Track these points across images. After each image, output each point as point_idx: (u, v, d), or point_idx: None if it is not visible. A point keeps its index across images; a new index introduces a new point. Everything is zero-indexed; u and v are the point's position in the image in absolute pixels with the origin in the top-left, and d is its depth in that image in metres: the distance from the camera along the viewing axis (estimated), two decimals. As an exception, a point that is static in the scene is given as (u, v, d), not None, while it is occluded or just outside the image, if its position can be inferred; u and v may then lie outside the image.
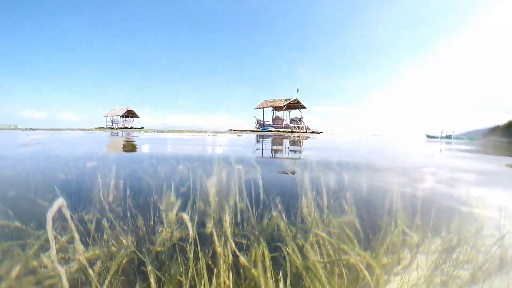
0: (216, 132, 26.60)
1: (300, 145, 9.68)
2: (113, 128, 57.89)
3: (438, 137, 41.49)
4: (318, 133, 39.10)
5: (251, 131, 42.09)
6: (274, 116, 46.00)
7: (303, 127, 41.60)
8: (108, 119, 61.44)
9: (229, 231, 1.91)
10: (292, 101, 43.15)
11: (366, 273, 1.66)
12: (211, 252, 1.81)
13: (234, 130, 44.49)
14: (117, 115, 59.69)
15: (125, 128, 57.18)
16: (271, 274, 1.63)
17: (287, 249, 1.82)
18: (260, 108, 46.68)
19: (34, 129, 32.65)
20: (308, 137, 19.02)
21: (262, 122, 46.46)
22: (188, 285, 1.57)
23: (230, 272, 1.65)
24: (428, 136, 43.25)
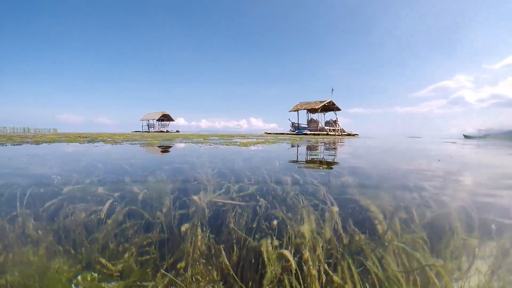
0: (255, 136, 26.79)
1: (341, 148, 9.63)
2: (149, 131, 59.48)
3: (476, 137, 39.44)
4: (354, 135, 38.50)
5: (286, 134, 42.09)
6: (309, 118, 45.76)
7: (338, 129, 41.14)
8: (145, 123, 63.44)
9: (321, 253, 2.08)
10: (326, 103, 42.79)
11: (436, 280, 1.82)
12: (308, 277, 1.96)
13: (269, 133, 44.68)
14: (153, 119, 61.46)
15: (161, 131, 58.60)
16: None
17: (368, 262, 1.96)
18: (295, 110, 46.57)
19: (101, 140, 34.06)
20: (343, 142, 18.69)
21: (297, 124, 46.34)
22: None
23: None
24: (465, 136, 41.41)
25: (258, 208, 2.77)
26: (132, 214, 2.72)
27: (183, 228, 2.36)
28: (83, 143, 10.10)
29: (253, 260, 2.21)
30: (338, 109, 44.02)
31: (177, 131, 61.49)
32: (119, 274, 2.09)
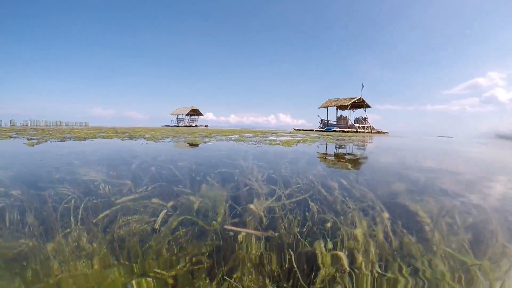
0: (286, 133, 26.76)
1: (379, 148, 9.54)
2: (178, 126, 60.50)
3: (510, 138, 37.47)
4: (383, 133, 37.87)
5: (315, 130, 41.92)
6: (339, 115, 45.36)
7: (368, 127, 40.56)
8: (174, 117, 64.50)
9: (374, 255, 2.32)
10: (356, 99, 42.26)
11: (483, 279, 2.02)
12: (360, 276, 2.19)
13: (298, 130, 44.61)
14: (182, 114, 62.42)
15: (190, 126, 59.50)
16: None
17: (419, 265, 2.18)
18: (325, 107, 46.23)
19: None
20: (375, 141, 18.38)
21: (326, 121, 46.04)
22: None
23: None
24: (498, 136, 39.56)
25: (307, 213, 3.01)
26: (187, 223, 2.88)
27: (239, 237, 2.62)
28: (125, 139, 10.41)
29: (305, 265, 2.46)
30: (368, 106, 43.38)
31: (206, 126, 62.28)
32: (173, 281, 2.34)
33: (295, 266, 2.30)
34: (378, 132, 38.36)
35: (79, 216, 2.93)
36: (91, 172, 4.39)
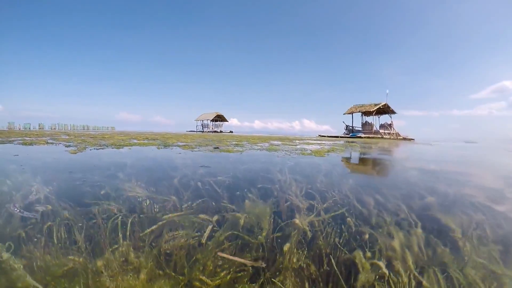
0: (313, 139, 26.77)
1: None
2: (203, 131, 61.40)
3: None
4: (409, 140, 37.29)
5: (340, 137, 41.84)
6: (364, 121, 45.11)
7: (393, 133, 40.10)
8: (199, 123, 65.53)
9: (411, 263, 2.66)
10: (381, 105, 41.91)
11: None
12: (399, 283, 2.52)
13: (323, 136, 44.60)
14: (207, 120, 63.37)
15: (215, 131, 60.29)
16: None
17: (450, 270, 2.51)
18: (349, 113, 46.08)
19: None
20: (397, 149, 18.08)
21: (351, 127, 45.86)
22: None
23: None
24: None
25: (344, 226, 3.32)
26: (232, 237, 3.10)
27: (285, 248, 2.91)
28: (160, 148, 10.71)
29: (344, 271, 2.77)
30: (393, 112, 42.91)
31: (231, 132, 62.89)
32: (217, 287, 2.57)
33: (336, 269, 2.63)
34: (404, 138, 37.80)
35: (127, 233, 3.11)
36: (136, 187, 4.51)
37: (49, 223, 3.16)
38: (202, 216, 3.50)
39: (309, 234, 3.14)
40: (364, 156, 10.29)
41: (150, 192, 4.31)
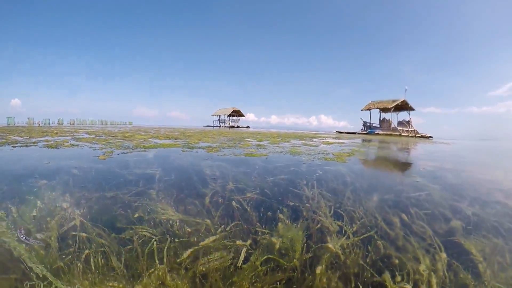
0: (331, 137, 26.68)
1: None
2: (220, 126, 61.83)
3: None
4: (427, 137, 36.78)
5: (358, 133, 41.69)
6: (381, 118, 44.71)
7: (411, 130, 39.61)
8: (216, 118, 66.00)
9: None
10: (400, 102, 41.46)
11: None
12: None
13: (340, 132, 44.50)
14: (224, 115, 63.72)
15: (232, 127, 60.66)
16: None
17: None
18: (367, 109, 45.78)
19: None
20: (415, 148, 17.83)
21: (369, 124, 45.58)
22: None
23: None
24: None
25: (371, 248, 3.60)
26: (266, 261, 3.33)
27: (318, 271, 3.13)
28: (185, 150, 10.82)
29: None
30: (412, 109, 42.37)
31: (248, 127, 63.18)
32: None
33: None
34: (422, 136, 37.26)
35: (163, 258, 3.28)
36: (168, 208, 4.57)
37: (87, 251, 3.32)
38: (237, 241, 3.70)
39: (339, 257, 3.42)
40: (385, 161, 10.37)
41: (183, 214, 4.44)
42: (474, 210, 4.95)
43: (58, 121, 42.85)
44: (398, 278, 3.11)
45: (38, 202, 4.46)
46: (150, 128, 34.42)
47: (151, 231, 3.84)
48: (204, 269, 3.21)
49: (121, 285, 2.92)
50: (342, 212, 4.65)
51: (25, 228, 3.59)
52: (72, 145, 11.50)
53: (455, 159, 12.77)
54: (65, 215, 4.14)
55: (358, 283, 3.08)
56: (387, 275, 3.13)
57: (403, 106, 42.26)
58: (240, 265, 3.29)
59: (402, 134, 38.68)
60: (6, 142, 11.24)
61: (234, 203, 4.88)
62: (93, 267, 3.11)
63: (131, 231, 3.78)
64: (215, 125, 65.12)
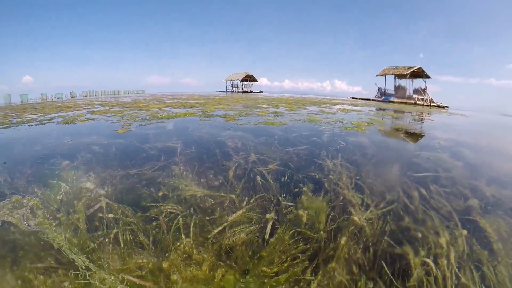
0: (345, 103, 26.32)
1: None
2: (233, 92, 61.48)
3: None
4: (443, 107, 35.94)
5: (372, 100, 41.13)
6: (397, 85, 43.77)
7: (427, 99, 38.71)
8: (229, 83, 65.38)
9: (453, 261, 3.21)
10: (416, 69, 40.38)
11: None
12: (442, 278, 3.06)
13: (354, 98, 43.97)
14: (236, 80, 63.13)
15: (245, 92, 60.29)
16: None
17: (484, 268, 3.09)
18: (382, 75, 44.69)
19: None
20: (430, 119, 16.90)
21: (383, 90, 44.74)
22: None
23: None
24: None
25: (392, 220, 3.82)
26: (291, 232, 3.56)
27: (342, 242, 3.40)
28: (203, 120, 10.75)
29: (398, 264, 3.28)
30: (428, 77, 41.15)
31: (261, 92, 62.70)
32: (274, 274, 3.06)
33: (385, 263, 3.16)
34: (438, 106, 36.43)
35: (190, 233, 3.53)
36: (192, 184, 4.67)
37: (115, 230, 3.56)
38: (263, 215, 3.92)
39: (362, 229, 3.64)
40: (403, 134, 10.25)
41: (207, 189, 4.59)
42: (492, 190, 5.02)
43: (71, 94, 42.39)
44: (420, 251, 3.31)
45: (63, 184, 4.59)
46: (164, 96, 33.49)
47: (176, 207, 4.04)
48: (230, 242, 3.46)
49: (149, 260, 3.16)
50: (363, 184, 4.82)
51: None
52: (88, 119, 11.40)
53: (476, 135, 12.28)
54: (91, 196, 4.30)
55: (380, 254, 3.32)
56: (408, 248, 3.36)
57: (419, 74, 41.12)
58: (267, 237, 3.54)
59: (417, 102, 37.93)
60: (21, 122, 11.15)
61: (257, 176, 5.02)
62: (122, 244, 3.37)
63: (156, 210, 3.98)
64: (228, 90, 64.52)
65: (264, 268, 3.13)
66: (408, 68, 40.67)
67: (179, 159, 5.84)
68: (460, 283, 2.97)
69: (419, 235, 3.58)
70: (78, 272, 2.88)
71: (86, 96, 43.30)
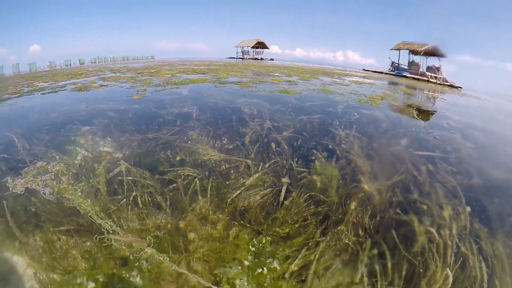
0: (357, 75, 25.86)
1: None
2: (243, 58, 60.68)
3: None
4: (456, 87, 35.18)
5: (385, 73, 40.53)
6: (410, 60, 42.83)
7: (440, 77, 38.00)
8: (239, 50, 64.28)
9: (455, 232, 3.43)
10: (430, 46, 39.49)
11: None
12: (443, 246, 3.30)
13: (367, 70, 43.38)
14: (247, 46, 62.07)
15: (255, 59, 59.53)
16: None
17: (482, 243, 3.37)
18: (396, 49, 43.72)
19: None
20: (442, 99, 16.57)
21: (397, 65, 43.92)
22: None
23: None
24: None
25: (400, 192, 4.05)
26: (304, 196, 3.86)
27: (352, 207, 3.67)
28: (217, 86, 10.77)
29: (403, 230, 3.51)
30: (443, 56, 40.29)
31: (272, 59, 61.81)
32: (285, 235, 3.38)
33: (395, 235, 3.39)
34: (451, 85, 35.65)
35: (207, 195, 3.84)
36: (209, 149, 4.90)
37: (134, 193, 3.82)
38: (279, 179, 4.19)
39: (372, 196, 3.90)
40: (416, 111, 10.00)
41: (223, 153, 4.85)
42: (498, 174, 5.20)
43: (79, 61, 41.51)
44: (425, 221, 3.55)
45: (82, 150, 4.85)
46: (174, 61, 32.25)
47: (193, 171, 4.31)
48: (245, 204, 3.76)
49: (167, 220, 3.49)
50: (374, 155, 5.03)
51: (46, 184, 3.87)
52: (101, 85, 11.35)
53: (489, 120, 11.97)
54: (111, 160, 4.57)
55: (385, 221, 3.58)
56: (413, 216, 3.59)
57: (434, 51, 40.01)
58: (281, 200, 3.83)
59: (430, 80, 37.19)
60: (33, 90, 11.09)
61: (272, 142, 5.23)
62: (140, 205, 3.67)
63: (173, 173, 4.25)
64: (238, 57, 63.41)
65: (277, 229, 3.42)
66: (422, 45, 39.72)
67: (195, 124, 6.01)
68: (459, 251, 3.20)
69: (424, 207, 3.79)
70: (103, 236, 3.15)
71: (94, 62, 42.55)
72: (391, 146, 5.54)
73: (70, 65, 37.12)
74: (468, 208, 3.82)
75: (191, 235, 3.30)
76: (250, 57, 61.44)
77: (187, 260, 3.09)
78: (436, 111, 10.87)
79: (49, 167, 4.19)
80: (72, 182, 3.91)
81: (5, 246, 3.18)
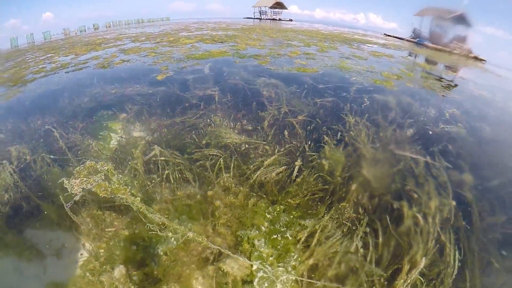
0: (377, 42, 24.92)
1: None
2: (261, 19, 59.34)
3: None
4: (480, 60, 33.28)
5: (406, 40, 39.14)
6: (434, 28, 41.12)
7: (465, 48, 36.06)
8: (257, 10, 62.46)
9: (437, 221, 4.05)
10: (457, 14, 37.72)
11: None
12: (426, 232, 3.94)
13: (388, 35, 42.13)
14: (265, 6, 60.35)
15: (273, 19, 58.27)
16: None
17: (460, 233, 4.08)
18: (421, 15, 42.06)
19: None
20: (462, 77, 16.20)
21: (419, 31, 42.27)
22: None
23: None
24: None
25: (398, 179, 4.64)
26: (313, 175, 4.60)
27: (353, 188, 4.37)
28: (237, 61, 10.97)
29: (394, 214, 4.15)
30: (469, 25, 38.32)
31: (291, 20, 60.19)
32: (296, 205, 4.23)
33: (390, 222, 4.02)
34: (476, 58, 33.61)
35: (231, 171, 4.66)
36: (231, 133, 5.55)
37: (167, 171, 4.63)
38: (289, 158, 4.99)
39: (370, 181, 4.52)
40: (429, 93, 9.99)
41: (245, 136, 5.59)
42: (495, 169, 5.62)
43: (93, 26, 40.82)
44: (414, 208, 4.15)
45: (118, 136, 5.64)
46: (190, 24, 32.19)
47: (217, 151, 5.09)
48: (262, 180, 4.55)
49: (196, 191, 4.37)
50: (378, 143, 5.53)
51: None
52: (123, 60, 11.51)
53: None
54: (145, 144, 5.31)
55: (381, 202, 4.26)
56: (405, 202, 4.20)
57: (460, 20, 38.30)
58: (293, 177, 4.62)
59: (454, 51, 35.38)
60: (56, 68, 11.33)
61: (287, 126, 5.87)
62: (172, 181, 4.50)
63: (199, 153, 5.06)
64: (255, 17, 61.90)
65: (290, 200, 4.25)
66: (449, 12, 37.97)
67: (217, 107, 6.68)
68: (439, 239, 3.79)
69: (416, 195, 4.37)
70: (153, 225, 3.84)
71: (109, 27, 41.67)
72: (396, 137, 5.90)
73: (85, 31, 36.63)
74: (453, 202, 4.34)
75: (217, 202, 4.15)
76: (268, 17, 59.96)
77: (213, 224, 3.89)
78: (450, 97, 10.27)
79: (98, 166, 4.79)
80: (121, 182, 4.54)
81: (57, 225, 3.98)
